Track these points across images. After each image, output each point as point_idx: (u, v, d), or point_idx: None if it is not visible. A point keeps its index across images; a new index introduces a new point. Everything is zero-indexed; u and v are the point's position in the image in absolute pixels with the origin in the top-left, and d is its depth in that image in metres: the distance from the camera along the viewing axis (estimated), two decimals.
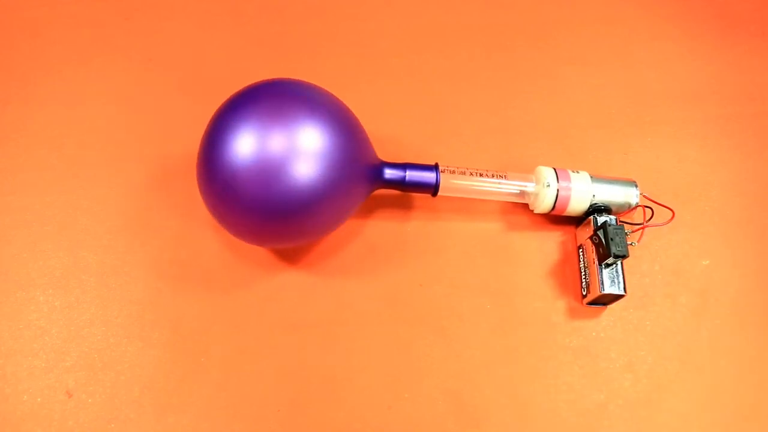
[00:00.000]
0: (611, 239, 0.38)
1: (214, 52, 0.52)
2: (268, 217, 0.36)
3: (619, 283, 0.39)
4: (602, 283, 0.39)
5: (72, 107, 0.48)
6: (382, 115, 0.48)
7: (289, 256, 0.42)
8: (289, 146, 0.35)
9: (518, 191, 0.41)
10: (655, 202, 0.43)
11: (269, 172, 0.34)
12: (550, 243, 0.44)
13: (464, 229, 0.44)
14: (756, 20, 0.55)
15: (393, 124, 0.48)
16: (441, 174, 0.40)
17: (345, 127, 0.38)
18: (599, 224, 0.40)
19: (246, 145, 0.35)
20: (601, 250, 0.39)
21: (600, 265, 0.39)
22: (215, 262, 0.42)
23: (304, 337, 0.40)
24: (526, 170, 0.43)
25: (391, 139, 0.46)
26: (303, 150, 0.35)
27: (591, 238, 0.40)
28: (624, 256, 0.38)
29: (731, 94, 0.51)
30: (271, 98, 0.37)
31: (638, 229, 0.42)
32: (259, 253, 0.42)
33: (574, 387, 0.39)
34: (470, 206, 0.44)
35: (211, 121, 0.38)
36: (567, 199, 0.41)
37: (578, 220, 0.43)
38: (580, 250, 0.42)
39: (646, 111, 0.50)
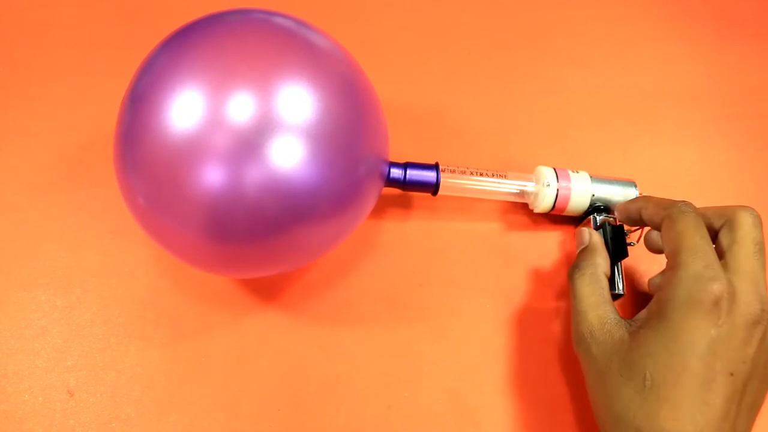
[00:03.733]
0: (610, 239, 0.39)
1: None
2: (229, 234, 0.23)
3: (617, 282, 0.39)
4: None
5: (73, 108, 0.48)
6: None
7: None
8: (266, 114, 0.21)
9: (518, 191, 0.41)
10: None
11: (231, 157, 0.21)
12: (550, 242, 0.44)
13: (464, 228, 0.44)
14: (755, 21, 0.55)
15: (392, 124, 0.48)
16: (441, 173, 0.40)
17: (361, 95, 0.26)
18: (598, 224, 0.40)
19: (190, 110, 0.21)
20: None
21: None
22: None
23: (304, 336, 0.40)
24: (526, 170, 0.43)
25: (390, 138, 0.47)
26: (291, 122, 0.22)
27: None
28: (623, 257, 0.38)
29: (730, 94, 0.51)
30: (239, 34, 0.23)
31: (637, 229, 0.42)
32: None
33: (573, 386, 0.39)
34: (470, 206, 0.45)
35: (137, 71, 0.25)
36: (567, 199, 0.41)
37: (578, 220, 0.43)
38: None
39: (645, 111, 0.50)
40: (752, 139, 0.49)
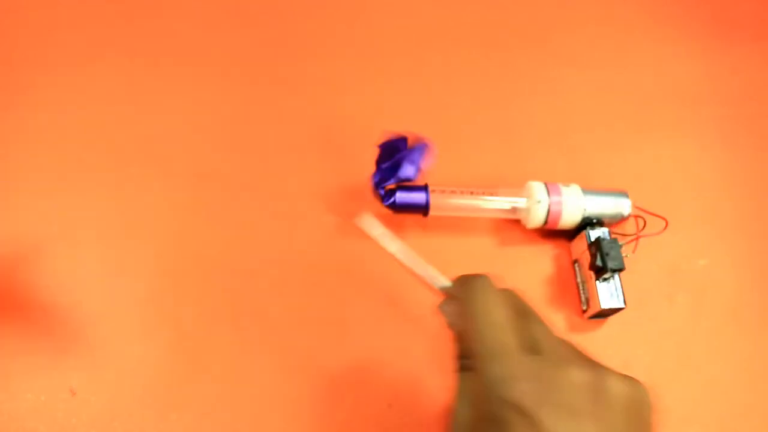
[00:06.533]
0: (606, 254, 0.38)
1: (215, 53, 0.52)
2: None
3: (618, 295, 0.39)
4: (601, 298, 0.39)
5: (75, 109, 0.48)
6: (380, 114, 0.48)
7: (284, 254, 0.42)
8: None
9: (509, 207, 0.41)
10: (648, 212, 0.42)
11: None
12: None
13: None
14: (753, 23, 0.55)
15: (391, 124, 0.48)
16: (431, 194, 0.40)
17: None
18: (593, 240, 0.40)
19: None
20: (597, 264, 0.39)
21: (597, 279, 0.39)
22: (215, 259, 0.42)
23: (305, 335, 0.40)
24: (524, 171, 0.43)
25: None
26: None
27: (589, 251, 0.40)
28: (620, 269, 0.38)
29: (728, 96, 0.51)
30: None
31: (632, 240, 0.41)
32: (253, 257, 0.42)
33: None
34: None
35: None
36: (558, 214, 0.40)
37: (570, 233, 0.43)
38: (576, 264, 0.42)
39: (644, 112, 0.50)
40: (750, 140, 0.49)
